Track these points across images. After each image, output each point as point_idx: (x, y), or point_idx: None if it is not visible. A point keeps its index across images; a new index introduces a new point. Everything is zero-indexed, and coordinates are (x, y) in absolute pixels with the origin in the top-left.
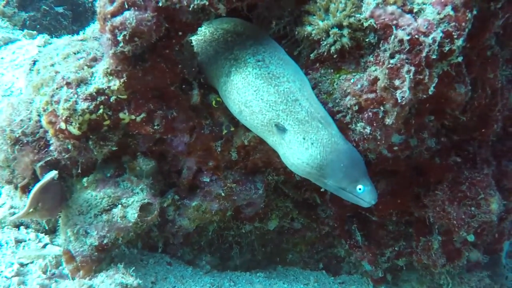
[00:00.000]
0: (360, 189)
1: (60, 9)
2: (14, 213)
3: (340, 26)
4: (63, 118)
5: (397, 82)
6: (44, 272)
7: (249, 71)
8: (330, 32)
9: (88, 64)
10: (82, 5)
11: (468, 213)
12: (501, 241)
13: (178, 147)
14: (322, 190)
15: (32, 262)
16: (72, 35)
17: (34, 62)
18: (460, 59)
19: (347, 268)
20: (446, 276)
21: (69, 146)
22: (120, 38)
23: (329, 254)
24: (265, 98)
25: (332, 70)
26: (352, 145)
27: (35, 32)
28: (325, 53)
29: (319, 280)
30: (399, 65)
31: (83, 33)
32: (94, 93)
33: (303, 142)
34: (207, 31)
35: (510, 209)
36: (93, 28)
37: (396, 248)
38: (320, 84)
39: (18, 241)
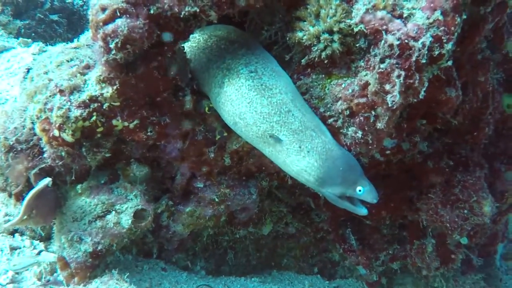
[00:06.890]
0: (360, 190)
1: (55, 17)
2: (8, 220)
3: (330, 32)
4: (57, 126)
5: (387, 87)
6: (39, 279)
7: (242, 82)
8: (321, 38)
9: (81, 71)
10: (77, 13)
11: (461, 216)
12: (495, 244)
13: (172, 153)
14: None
15: (27, 269)
16: (67, 43)
17: (28, 70)
18: (450, 63)
19: (342, 272)
20: (440, 279)
21: (63, 153)
22: (112, 45)
23: (324, 258)
24: (259, 110)
25: (323, 75)
26: (346, 150)
27: (30, 40)
28: (316, 59)
29: (314, 284)
30: (389, 69)
31: (77, 41)
32: (87, 100)
33: (300, 151)
34: (201, 38)
35: (503, 211)
36: (87, 36)
37: (390, 252)
38: (311, 89)
39: (13, 248)
